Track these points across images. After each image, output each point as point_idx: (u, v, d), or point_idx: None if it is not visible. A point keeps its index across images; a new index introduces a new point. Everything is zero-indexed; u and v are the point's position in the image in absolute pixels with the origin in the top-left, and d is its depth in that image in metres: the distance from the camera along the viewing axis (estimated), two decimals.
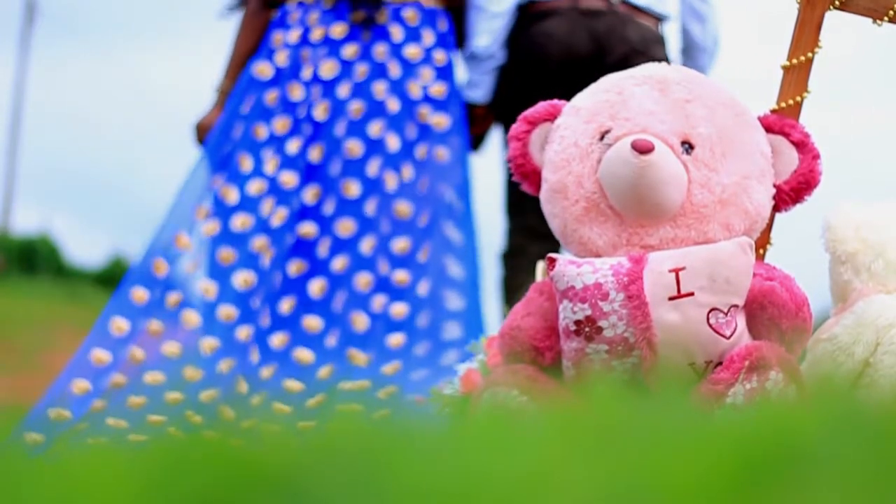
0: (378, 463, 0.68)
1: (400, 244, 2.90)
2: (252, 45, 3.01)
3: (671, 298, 1.68)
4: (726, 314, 1.69)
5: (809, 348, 1.85)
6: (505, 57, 3.15)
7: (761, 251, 1.93)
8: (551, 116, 1.92)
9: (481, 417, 1.50)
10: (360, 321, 2.82)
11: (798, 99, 1.92)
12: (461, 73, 3.14)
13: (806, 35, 1.93)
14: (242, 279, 2.77)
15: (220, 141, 2.93)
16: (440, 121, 2.96)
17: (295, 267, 2.85)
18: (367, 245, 2.87)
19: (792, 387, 1.65)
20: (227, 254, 2.81)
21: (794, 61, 1.93)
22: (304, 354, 2.78)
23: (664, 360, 1.68)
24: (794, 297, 1.74)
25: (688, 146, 1.81)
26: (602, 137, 1.83)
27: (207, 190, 2.88)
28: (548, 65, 3.11)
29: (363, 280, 2.86)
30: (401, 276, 2.87)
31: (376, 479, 0.67)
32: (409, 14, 2.96)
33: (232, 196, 2.87)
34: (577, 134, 1.86)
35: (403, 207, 2.91)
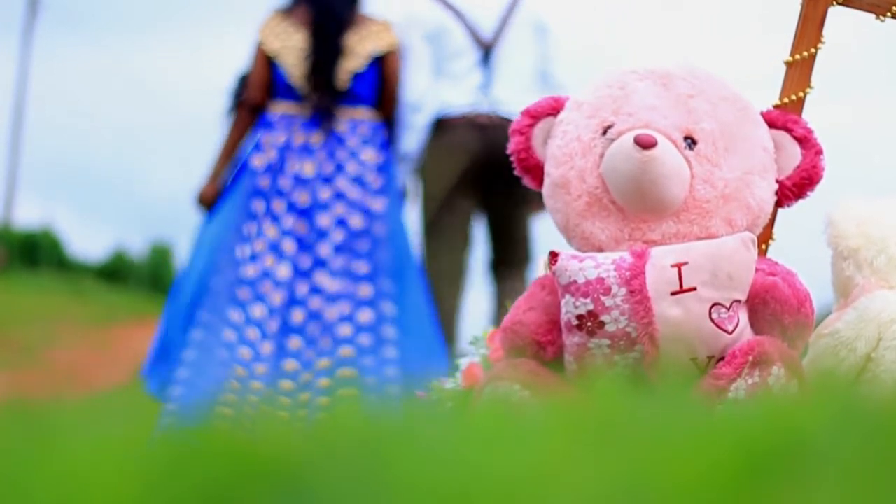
0: (380, 458, 0.68)
1: (362, 290, 4.02)
2: (239, 139, 4.18)
3: (673, 293, 1.68)
4: (728, 309, 1.69)
5: (811, 344, 1.85)
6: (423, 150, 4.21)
7: (764, 246, 1.93)
8: (554, 111, 1.92)
9: (483, 412, 1.50)
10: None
11: (801, 94, 1.92)
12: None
13: (809, 31, 1.93)
14: (258, 310, 3.89)
15: (227, 214, 4.03)
16: (378, 204, 4.08)
17: (290, 308, 4.01)
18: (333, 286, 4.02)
19: (794, 382, 1.65)
20: (243, 292, 3.94)
21: (797, 57, 1.93)
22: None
23: (666, 354, 1.68)
24: (797, 293, 1.74)
25: (690, 141, 1.81)
26: (605, 132, 1.83)
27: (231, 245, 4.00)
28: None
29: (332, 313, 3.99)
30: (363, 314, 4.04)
31: (378, 473, 0.67)
32: (363, 129, 4.13)
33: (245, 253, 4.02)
34: (580, 129, 1.86)
35: (361, 265, 4.05)
